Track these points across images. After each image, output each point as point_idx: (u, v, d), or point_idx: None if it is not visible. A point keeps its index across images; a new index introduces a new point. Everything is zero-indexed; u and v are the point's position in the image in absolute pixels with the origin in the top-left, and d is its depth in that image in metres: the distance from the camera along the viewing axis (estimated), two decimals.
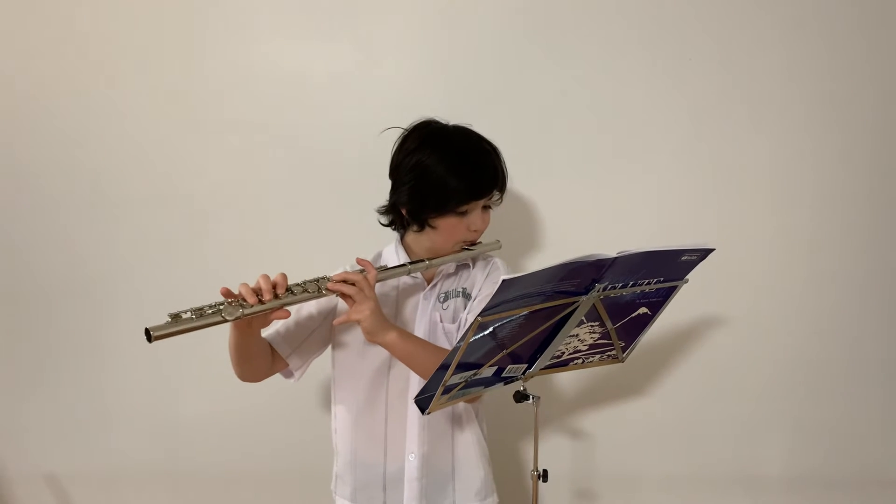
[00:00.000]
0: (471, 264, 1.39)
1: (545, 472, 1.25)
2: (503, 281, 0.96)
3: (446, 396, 1.13)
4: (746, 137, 1.70)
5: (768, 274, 1.72)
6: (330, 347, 1.38)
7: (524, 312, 1.05)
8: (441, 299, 1.36)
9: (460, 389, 1.14)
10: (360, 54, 1.69)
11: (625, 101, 1.69)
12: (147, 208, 1.72)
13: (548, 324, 1.11)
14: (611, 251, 1.04)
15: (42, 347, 1.75)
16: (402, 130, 1.35)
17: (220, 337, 1.68)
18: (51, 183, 1.72)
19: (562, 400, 1.73)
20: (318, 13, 1.68)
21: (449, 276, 1.38)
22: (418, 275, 1.34)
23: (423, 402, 1.12)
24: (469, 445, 1.36)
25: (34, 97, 1.71)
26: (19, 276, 1.74)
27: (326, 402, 1.71)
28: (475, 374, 1.12)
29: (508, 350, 1.12)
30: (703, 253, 1.13)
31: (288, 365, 1.33)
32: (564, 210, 1.70)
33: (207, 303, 1.10)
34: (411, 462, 1.32)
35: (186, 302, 1.68)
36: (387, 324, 1.21)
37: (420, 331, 1.33)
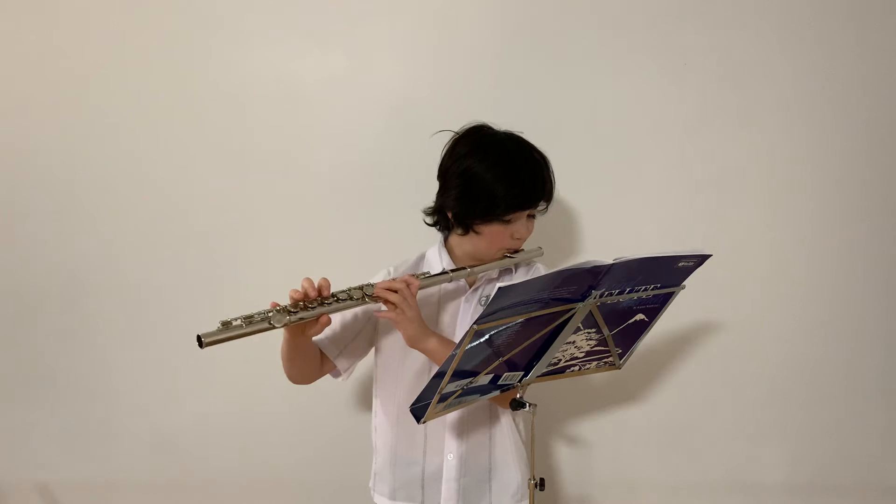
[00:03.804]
0: (513, 269, 1.41)
1: (542, 480, 1.24)
2: (499, 289, 0.96)
3: (442, 405, 1.12)
4: (745, 140, 1.70)
5: (767, 278, 1.71)
6: (374, 348, 1.41)
7: (520, 320, 1.05)
8: (482, 303, 1.37)
9: (456, 398, 1.13)
10: (353, 59, 1.69)
11: (622, 105, 1.69)
12: (141, 216, 1.71)
13: (544, 331, 1.10)
14: (606, 257, 1.04)
15: (36, 354, 1.74)
16: (454, 134, 1.36)
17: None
18: (48, 189, 1.71)
19: (559, 408, 1.73)
20: (311, 19, 1.68)
21: (491, 279, 1.39)
22: (461, 279, 1.36)
23: (418, 410, 1.11)
24: (507, 448, 1.37)
25: (33, 101, 1.70)
26: (14, 282, 1.73)
27: (336, 406, 1.71)
28: (471, 382, 1.12)
29: (505, 358, 1.11)
30: (700, 259, 1.13)
31: (336, 367, 1.36)
32: (561, 214, 1.70)
33: (256, 310, 1.15)
34: (450, 462, 1.34)
35: (183, 309, 1.70)
36: (427, 331, 1.25)
37: (461, 333, 1.34)
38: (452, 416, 1.33)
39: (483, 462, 1.36)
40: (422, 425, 1.30)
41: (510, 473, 1.37)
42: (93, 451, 1.74)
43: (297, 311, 1.16)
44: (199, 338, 1.10)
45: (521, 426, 1.41)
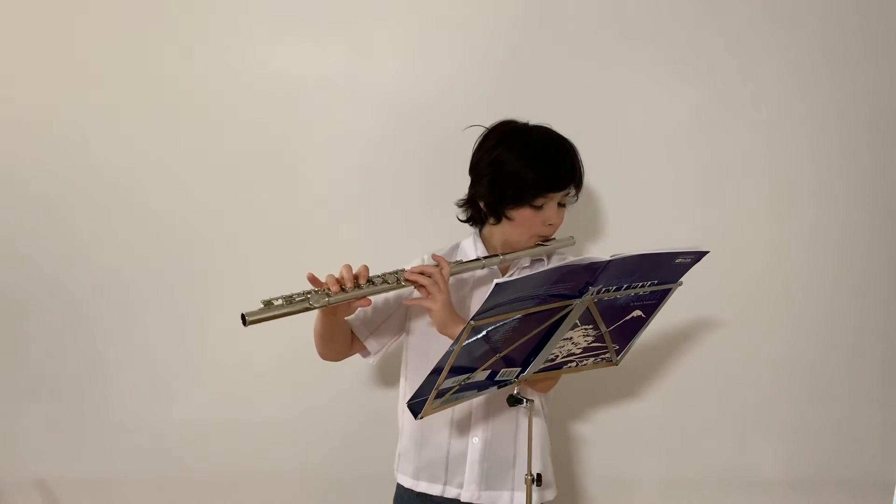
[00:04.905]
0: (545, 259, 1.43)
1: (539, 475, 1.25)
2: (496, 284, 0.96)
3: (439, 400, 1.12)
4: (746, 138, 1.70)
5: (766, 275, 1.71)
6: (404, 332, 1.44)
7: (518, 316, 1.05)
8: None
9: (453, 393, 1.14)
10: (354, 56, 1.69)
11: (622, 102, 1.69)
12: (143, 213, 1.70)
13: (542, 327, 1.11)
14: (604, 253, 1.04)
15: (33, 352, 1.74)
16: (484, 129, 1.40)
17: (215, 338, 1.69)
18: (47, 188, 1.71)
19: (556, 403, 1.73)
20: (312, 15, 1.68)
21: (524, 268, 1.42)
22: (495, 267, 1.38)
23: (416, 406, 1.12)
24: (532, 436, 1.37)
25: (32, 99, 1.70)
26: (13, 281, 1.73)
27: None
28: (468, 378, 1.12)
29: (502, 354, 1.12)
30: (698, 255, 1.13)
31: (366, 347, 1.40)
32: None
33: (296, 291, 1.19)
34: (474, 445, 1.36)
35: (182, 306, 1.70)
36: (457, 317, 1.27)
37: None
38: (479, 400, 1.36)
39: (507, 448, 1.38)
40: (448, 409, 1.32)
41: (533, 461, 1.37)
42: (92, 447, 1.74)
43: (335, 294, 1.20)
44: (242, 316, 1.13)
45: (546, 419, 1.44)
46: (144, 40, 1.69)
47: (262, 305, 1.15)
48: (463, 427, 1.37)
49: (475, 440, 1.37)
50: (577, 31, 1.69)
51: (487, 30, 1.68)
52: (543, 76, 1.69)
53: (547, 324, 1.10)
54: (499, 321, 1.04)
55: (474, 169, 1.39)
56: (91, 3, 1.68)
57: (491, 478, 1.37)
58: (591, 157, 1.67)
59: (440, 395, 1.10)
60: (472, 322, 1.00)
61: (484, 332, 1.04)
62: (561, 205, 1.37)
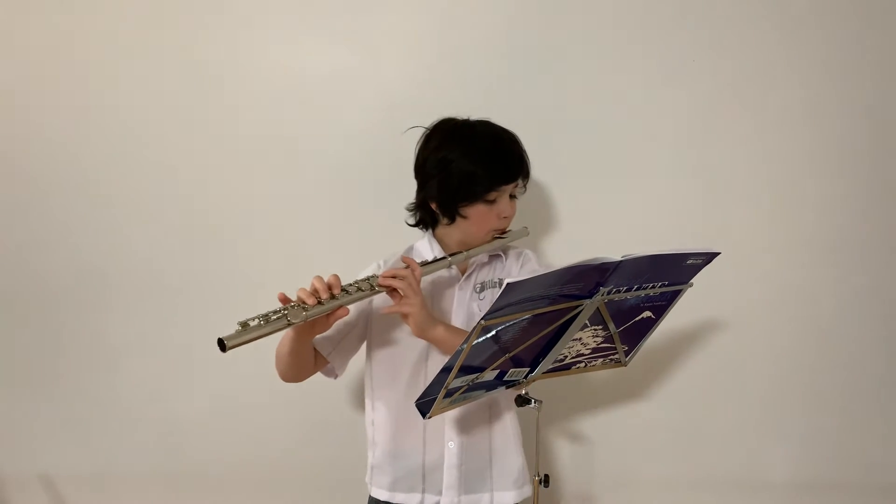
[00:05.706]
0: (503, 255, 1.42)
1: (546, 476, 1.25)
2: (507, 284, 0.95)
3: (448, 400, 1.12)
4: (749, 140, 1.69)
5: (770, 278, 1.71)
6: (365, 343, 1.40)
7: (528, 316, 1.04)
8: (477, 290, 1.38)
9: (462, 393, 1.13)
10: (359, 54, 1.68)
11: (626, 103, 1.69)
12: (145, 208, 1.70)
13: (551, 327, 1.10)
14: (613, 254, 1.03)
15: (38, 347, 1.74)
16: (424, 129, 1.38)
17: (220, 336, 1.68)
18: (50, 182, 1.71)
19: (562, 405, 1.73)
20: (318, 13, 1.68)
21: (483, 266, 1.41)
22: (453, 266, 1.36)
23: (424, 405, 1.11)
24: (507, 434, 1.38)
25: (34, 97, 1.70)
26: (16, 275, 1.73)
27: (330, 403, 1.70)
28: (477, 378, 1.12)
29: (511, 354, 1.11)
30: (709, 257, 1.13)
31: (328, 363, 1.36)
32: (564, 212, 1.70)
33: (271, 309, 1.13)
34: (451, 449, 1.34)
35: (186, 302, 1.70)
36: (434, 319, 1.25)
37: (458, 321, 1.35)
38: None
39: (483, 449, 1.36)
40: (420, 416, 1.31)
41: (511, 459, 1.37)
42: (96, 444, 1.74)
43: (312, 307, 1.14)
44: (220, 341, 1.06)
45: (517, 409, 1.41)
46: (143, 39, 1.69)
47: (238, 327, 1.08)
48: (437, 433, 1.34)
49: (451, 444, 1.34)
50: (578, 31, 1.68)
51: (491, 29, 1.67)
52: (544, 76, 1.68)
53: (557, 324, 1.10)
54: (509, 321, 1.03)
55: (420, 171, 1.36)
56: (99, 4, 1.69)
57: (470, 480, 1.35)
58: (595, 157, 1.68)
59: (449, 394, 1.10)
60: (482, 322, 1.00)
61: (493, 332, 1.04)
62: (512, 196, 1.37)
